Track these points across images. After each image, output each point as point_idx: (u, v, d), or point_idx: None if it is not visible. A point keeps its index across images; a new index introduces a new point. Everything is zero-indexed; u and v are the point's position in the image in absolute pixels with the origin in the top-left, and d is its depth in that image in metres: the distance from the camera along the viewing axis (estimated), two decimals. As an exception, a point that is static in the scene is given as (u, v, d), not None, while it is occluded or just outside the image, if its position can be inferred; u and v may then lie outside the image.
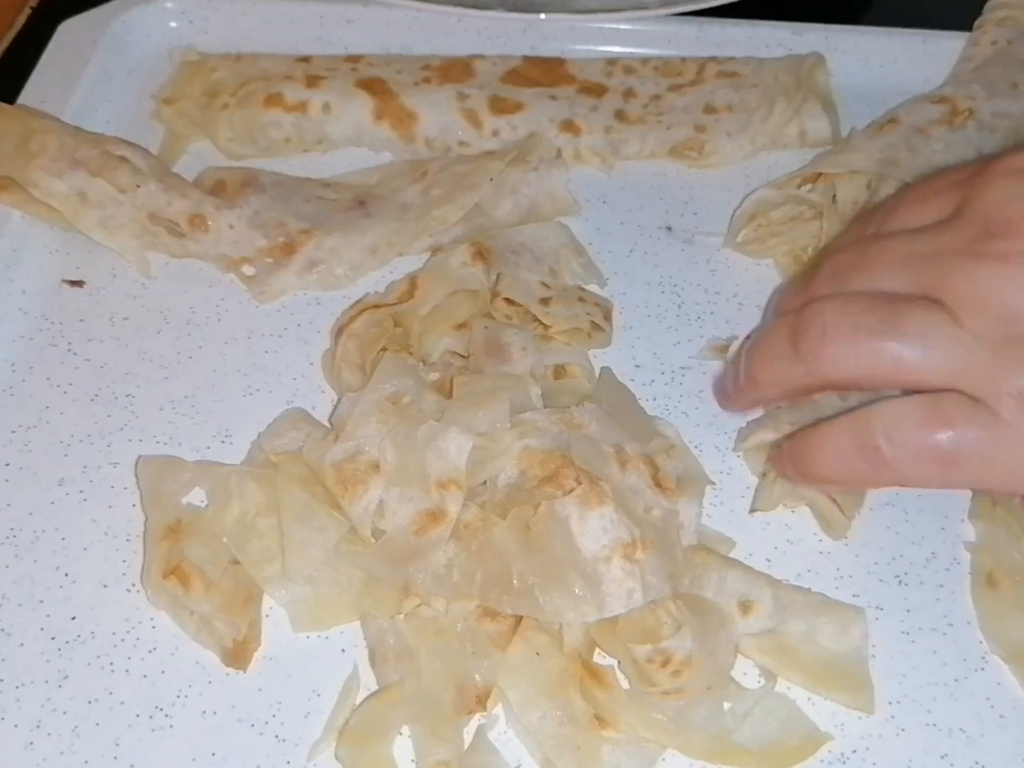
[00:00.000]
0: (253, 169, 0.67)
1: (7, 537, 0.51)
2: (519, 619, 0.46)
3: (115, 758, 0.44)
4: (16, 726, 0.45)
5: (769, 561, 0.51)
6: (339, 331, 0.57)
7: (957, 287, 0.40)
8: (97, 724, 0.45)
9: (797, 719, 0.45)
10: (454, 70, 0.72)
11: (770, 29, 0.73)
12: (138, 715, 0.46)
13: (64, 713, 0.45)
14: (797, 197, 0.62)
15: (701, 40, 0.73)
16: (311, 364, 0.58)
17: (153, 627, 0.48)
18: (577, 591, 0.44)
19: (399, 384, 0.51)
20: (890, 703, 0.47)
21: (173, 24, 0.75)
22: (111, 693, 0.46)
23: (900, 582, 0.51)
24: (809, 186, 0.63)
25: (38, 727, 0.45)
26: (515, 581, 0.45)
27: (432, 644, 0.45)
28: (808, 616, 0.48)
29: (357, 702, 0.46)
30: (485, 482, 0.49)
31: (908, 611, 0.50)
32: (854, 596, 0.50)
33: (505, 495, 0.48)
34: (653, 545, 0.46)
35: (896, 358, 0.41)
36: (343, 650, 0.48)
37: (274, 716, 0.46)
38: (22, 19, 0.80)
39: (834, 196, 0.60)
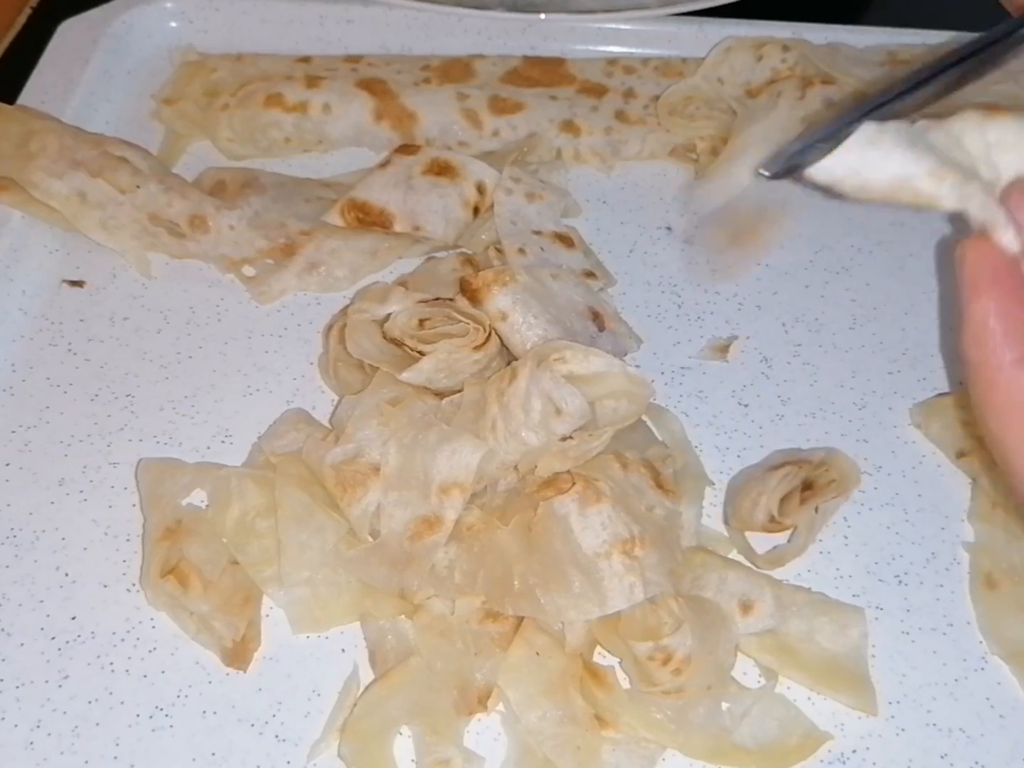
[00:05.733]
0: (253, 169, 0.67)
1: (7, 537, 0.51)
2: (520, 620, 0.46)
3: (115, 758, 0.44)
4: (16, 726, 0.45)
5: (769, 561, 0.51)
6: (328, 330, 0.58)
7: None
8: (97, 724, 0.45)
9: (796, 719, 0.46)
10: (454, 70, 0.72)
11: (770, 29, 0.73)
12: (138, 715, 0.46)
13: (64, 713, 0.46)
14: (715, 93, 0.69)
15: (701, 40, 0.73)
16: (311, 364, 0.58)
17: (153, 627, 0.48)
18: (577, 589, 0.44)
19: (399, 388, 0.51)
20: (890, 703, 0.47)
21: (173, 24, 0.75)
22: (111, 693, 0.46)
23: (900, 582, 0.51)
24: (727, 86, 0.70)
25: (38, 727, 0.45)
26: (516, 583, 0.45)
27: (435, 645, 0.46)
28: (808, 616, 0.48)
29: (357, 702, 0.46)
30: (486, 487, 0.49)
31: (908, 611, 0.50)
32: (854, 596, 0.50)
33: (504, 499, 0.48)
34: (653, 542, 0.46)
35: None
36: (343, 650, 0.48)
37: (274, 716, 0.46)
38: (22, 19, 0.80)
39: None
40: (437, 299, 0.54)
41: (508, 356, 0.53)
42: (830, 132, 0.39)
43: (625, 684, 0.46)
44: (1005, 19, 0.45)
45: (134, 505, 0.52)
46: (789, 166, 0.39)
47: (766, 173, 0.38)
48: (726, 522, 0.52)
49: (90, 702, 0.46)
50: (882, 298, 0.63)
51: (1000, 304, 0.34)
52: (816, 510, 0.50)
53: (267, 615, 0.49)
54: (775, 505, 0.49)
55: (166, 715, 0.46)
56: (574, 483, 0.46)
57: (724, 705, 0.45)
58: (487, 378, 0.51)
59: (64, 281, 0.62)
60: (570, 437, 0.47)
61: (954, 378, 0.58)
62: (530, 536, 0.46)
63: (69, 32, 0.72)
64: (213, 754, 0.45)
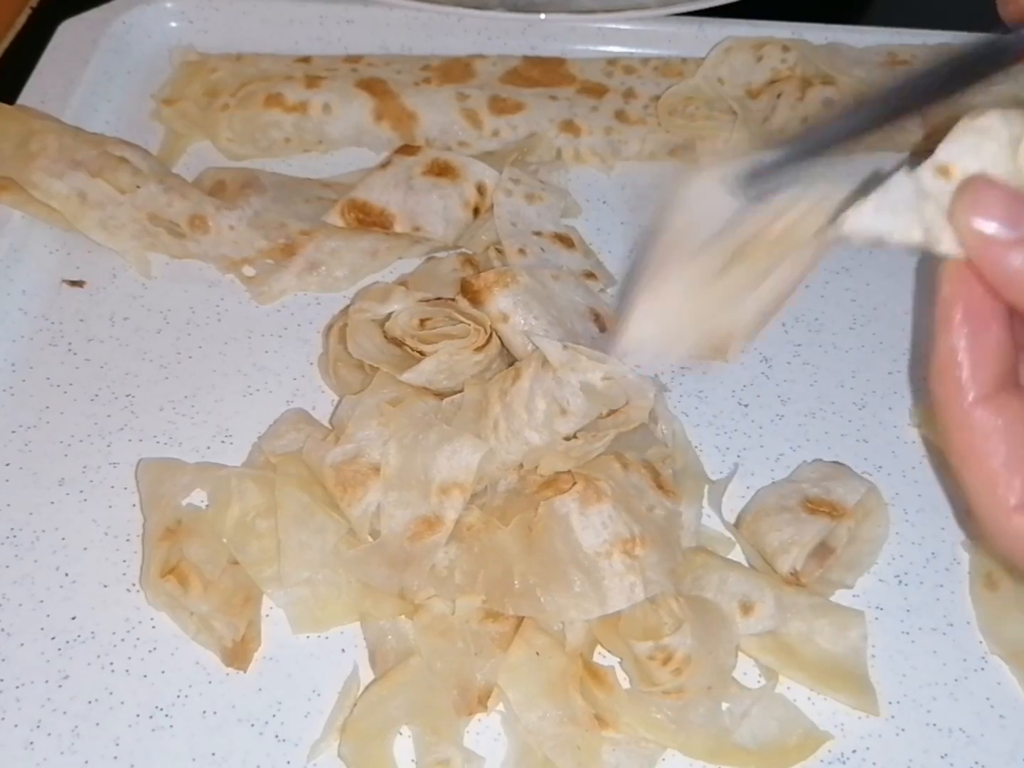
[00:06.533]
0: (253, 170, 0.67)
1: (7, 537, 0.51)
2: (520, 620, 0.46)
3: (115, 758, 0.44)
4: (16, 726, 0.45)
5: (769, 561, 0.51)
6: (328, 330, 0.58)
7: None
8: (97, 724, 0.45)
9: (796, 718, 0.46)
10: (454, 70, 0.72)
11: (770, 29, 0.73)
12: (138, 715, 0.46)
13: (64, 713, 0.46)
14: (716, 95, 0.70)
15: (701, 40, 0.73)
16: (311, 364, 0.58)
17: (153, 627, 0.48)
18: (578, 588, 0.45)
19: (399, 388, 0.51)
20: (890, 703, 0.47)
21: (173, 24, 0.75)
22: (111, 693, 0.46)
23: (900, 582, 0.51)
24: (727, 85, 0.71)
25: (38, 727, 0.45)
26: (516, 582, 0.45)
27: (435, 645, 0.46)
28: (808, 618, 0.48)
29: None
30: (486, 487, 0.49)
31: (908, 611, 0.50)
32: (854, 596, 0.50)
33: (504, 500, 0.48)
34: (653, 542, 0.46)
35: None
36: (343, 650, 0.48)
37: (274, 716, 0.46)
38: (22, 19, 0.80)
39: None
40: (438, 299, 0.54)
41: (509, 357, 0.53)
42: (793, 155, 0.37)
43: (625, 684, 0.46)
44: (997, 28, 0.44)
45: (134, 505, 0.52)
46: (757, 185, 0.37)
47: (737, 185, 0.37)
48: (736, 525, 0.52)
49: (90, 702, 0.46)
50: (882, 298, 0.63)
51: (970, 340, 0.32)
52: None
53: (267, 615, 0.49)
54: (801, 561, 0.48)
55: (166, 715, 0.46)
56: (575, 483, 0.46)
57: (724, 705, 0.45)
58: (488, 379, 0.51)
59: (64, 281, 0.62)
60: (574, 437, 0.47)
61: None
62: (530, 536, 0.46)
63: (69, 32, 0.72)
64: (213, 754, 0.45)
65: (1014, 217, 0.30)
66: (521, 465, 0.49)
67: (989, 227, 0.30)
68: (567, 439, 0.47)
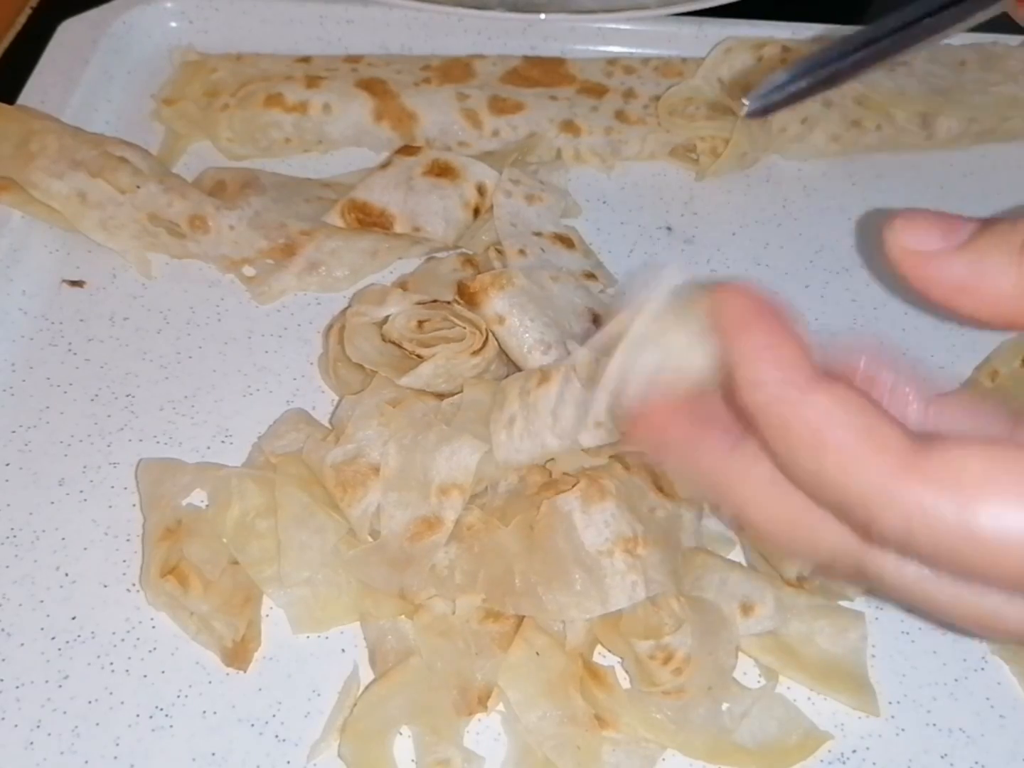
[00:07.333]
0: (253, 170, 0.67)
1: (7, 537, 0.51)
2: (520, 619, 0.46)
3: (115, 758, 0.44)
4: (16, 726, 0.45)
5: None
6: (328, 330, 0.58)
7: None
8: (97, 724, 0.45)
9: (796, 718, 0.46)
10: (454, 70, 0.72)
11: (770, 29, 0.73)
12: (138, 715, 0.46)
13: (64, 713, 0.45)
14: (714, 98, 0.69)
15: (701, 40, 0.73)
16: (311, 364, 0.58)
17: (153, 627, 0.48)
18: (579, 587, 0.45)
19: (399, 388, 0.51)
20: (890, 703, 0.47)
21: (173, 24, 0.75)
22: (111, 693, 0.46)
23: (900, 582, 0.51)
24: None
25: (38, 727, 0.45)
26: (517, 581, 0.45)
27: (435, 644, 0.46)
28: (808, 618, 0.48)
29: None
30: (486, 488, 0.49)
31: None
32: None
33: (505, 500, 0.48)
34: (655, 541, 0.46)
35: None
36: (343, 650, 0.48)
37: (274, 716, 0.46)
38: (22, 19, 0.80)
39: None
40: (435, 301, 0.54)
41: (507, 359, 0.53)
42: (806, 68, 0.39)
43: (625, 684, 0.46)
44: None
45: (134, 505, 0.52)
46: (767, 104, 0.39)
47: (746, 107, 0.39)
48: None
49: (90, 702, 0.46)
50: (882, 298, 0.63)
51: (769, 335, 0.28)
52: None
53: (267, 615, 0.49)
54: (809, 567, 0.48)
55: (166, 715, 0.46)
56: (576, 482, 0.47)
57: (724, 705, 0.45)
58: (487, 379, 0.51)
59: (64, 281, 0.62)
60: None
61: (954, 378, 0.58)
62: (532, 535, 0.46)
63: (69, 32, 0.72)
64: (213, 754, 0.45)
65: (947, 229, 0.29)
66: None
67: (926, 243, 0.29)
68: (585, 449, 0.47)
